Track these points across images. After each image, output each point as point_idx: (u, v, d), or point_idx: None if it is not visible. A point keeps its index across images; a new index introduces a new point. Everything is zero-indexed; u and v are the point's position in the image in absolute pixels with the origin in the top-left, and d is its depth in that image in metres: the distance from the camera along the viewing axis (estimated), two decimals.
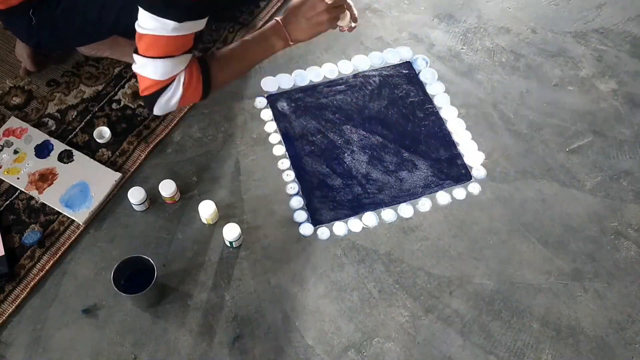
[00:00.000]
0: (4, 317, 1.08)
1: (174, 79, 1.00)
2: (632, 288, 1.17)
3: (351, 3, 1.13)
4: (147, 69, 0.98)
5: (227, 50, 1.10)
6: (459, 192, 1.28)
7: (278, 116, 1.38)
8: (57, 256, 1.15)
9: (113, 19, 1.17)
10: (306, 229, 1.22)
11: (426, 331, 1.11)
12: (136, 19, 0.94)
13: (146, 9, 0.91)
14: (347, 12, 1.14)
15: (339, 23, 1.14)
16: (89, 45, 1.36)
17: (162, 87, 1.00)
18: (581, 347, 1.10)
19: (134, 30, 0.96)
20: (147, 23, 0.93)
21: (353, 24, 1.15)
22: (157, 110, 1.04)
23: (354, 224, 1.23)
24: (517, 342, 1.10)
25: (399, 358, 1.08)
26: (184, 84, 1.01)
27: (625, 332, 1.12)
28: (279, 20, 1.09)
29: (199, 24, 0.97)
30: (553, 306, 1.14)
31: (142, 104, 1.03)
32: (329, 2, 1.06)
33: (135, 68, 1.00)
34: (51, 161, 1.25)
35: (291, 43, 1.10)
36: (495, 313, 1.13)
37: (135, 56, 0.98)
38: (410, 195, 1.27)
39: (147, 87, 1.01)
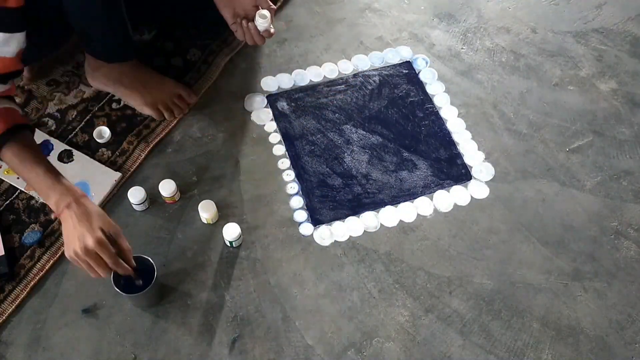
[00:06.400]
0: (4, 317, 1.08)
1: None
2: (632, 288, 1.17)
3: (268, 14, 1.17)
4: None
5: (30, 152, 0.99)
6: (459, 192, 1.28)
7: (278, 116, 1.38)
8: (57, 256, 1.15)
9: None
10: (306, 229, 1.22)
11: (426, 331, 1.11)
12: None
13: None
14: (268, 12, 1.17)
15: (260, 19, 1.17)
16: (96, 78, 1.32)
17: None
18: (581, 347, 1.10)
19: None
20: None
21: (272, 30, 1.18)
22: None
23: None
24: (517, 342, 1.10)
25: (398, 358, 1.08)
26: None
27: (625, 332, 1.12)
28: (72, 200, 0.95)
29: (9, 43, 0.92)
30: (553, 306, 1.14)
31: None
32: (96, 249, 0.92)
33: None
34: (51, 161, 1.24)
35: (53, 217, 1.12)
36: (495, 313, 1.13)
37: None
38: (410, 195, 1.27)
39: None
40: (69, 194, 0.96)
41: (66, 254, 0.96)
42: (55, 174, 0.99)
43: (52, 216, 1.06)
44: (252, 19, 1.21)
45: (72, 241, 0.94)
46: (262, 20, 1.18)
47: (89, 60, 1.31)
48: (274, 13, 1.23)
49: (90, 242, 0.92)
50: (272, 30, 1.21)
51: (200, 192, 1.25)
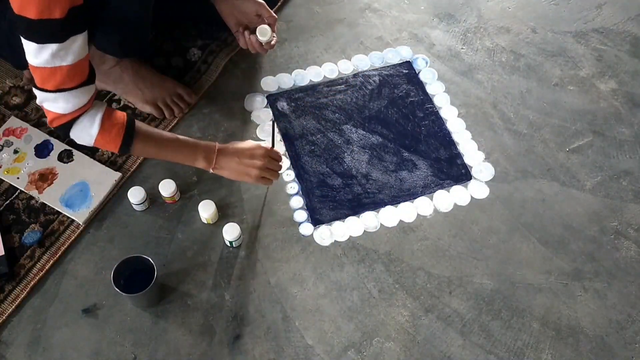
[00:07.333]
0: (4, 317, 1.09)
1: (83, 112, 0.99)
2: (632, 288, 1.17)
3: (269, 28, 1.20)
4: (49, 103, 0.96)
5: (157, 133, 1.10)
6: (459, 192, 1.28)
7: (278, 116, 1.38)
8: (57, 256, 1.15)
9: None
10: (306, 229, 1.22)
11: (426, 331, 1.11)
12: None
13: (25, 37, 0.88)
14: (268, 28, 1.21)
15: (260, 36, 1.20)
16: (96, 77, 1.31)
17: (71, 119, 0.98)
18: (581, 347, 1.10)
19: None
20: (38, 53, 0.89)
21: (273, 41, 1.23)
22: (75, 136, 1.02)
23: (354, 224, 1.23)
24: (517, 342, 1.10)
25: (398, 357, 1.08)
26: (101, 123, 1.00)
27: (625, 332, 1.12)
28: (217, 146, 1.10)
29: (76, 47, 0.92)
30: (553, 306, 1.14)
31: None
32: (266, 162, 1.11)
33: (38, 101, 0.97)
34: (51, 161, 1.25)
35: (211, 170, 1.11)
36: (495, 313, 1.13)
37: (34, 90, 0.96)
38: (410, 195, 1.27)
39: (54, 119, 0.99)
40: (210, 146, 1.10)
41: (252, 181, 1.12)
42: (188, 140, 1.11)
43: (211, 171, 1.11)
44: (255, 29, 1.21)
45: (249, 170, 1.10)
46: (263, 37, 1.21)
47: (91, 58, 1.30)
48: (275, 22, 1.23)
49: (260, 163, 1.10)
50: (273, 42, 1.24)
51: (200, 192, 1.25)
